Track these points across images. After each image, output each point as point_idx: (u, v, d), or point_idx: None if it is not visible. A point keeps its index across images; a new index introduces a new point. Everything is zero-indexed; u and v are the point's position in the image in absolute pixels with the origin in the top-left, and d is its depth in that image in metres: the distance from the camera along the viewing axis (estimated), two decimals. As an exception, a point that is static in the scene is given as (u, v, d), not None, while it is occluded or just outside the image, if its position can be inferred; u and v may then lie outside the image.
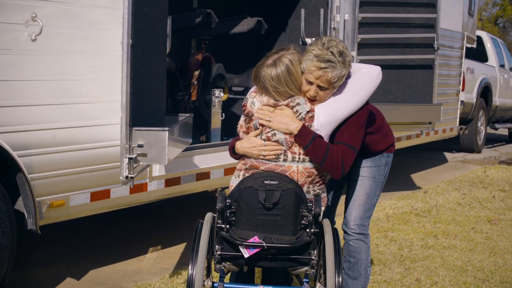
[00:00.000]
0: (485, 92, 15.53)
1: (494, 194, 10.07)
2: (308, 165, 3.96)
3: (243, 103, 4.12)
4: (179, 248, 6.75)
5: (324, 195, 4.07)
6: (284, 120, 3.95)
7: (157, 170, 5.88)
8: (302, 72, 4.00)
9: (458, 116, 12.54)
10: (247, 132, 4.07)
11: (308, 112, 3.96)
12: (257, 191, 3.81)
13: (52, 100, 4.97)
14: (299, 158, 3.95)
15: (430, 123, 8.45)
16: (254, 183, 3.85)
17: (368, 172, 4.58)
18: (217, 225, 3.86)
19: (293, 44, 4.15)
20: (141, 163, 4.72)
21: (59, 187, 5.08)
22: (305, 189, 3.95)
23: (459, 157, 14.70)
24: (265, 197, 3.79)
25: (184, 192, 6.31)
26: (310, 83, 4.00)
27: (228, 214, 3.84)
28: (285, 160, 3.95)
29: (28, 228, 4.88)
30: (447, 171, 12.55)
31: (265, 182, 3.83)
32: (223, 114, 7.11)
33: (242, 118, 4.13)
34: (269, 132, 3.96)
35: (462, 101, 13.08)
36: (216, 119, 7.05)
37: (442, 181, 11.25)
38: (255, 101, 4.05)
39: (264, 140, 3.97)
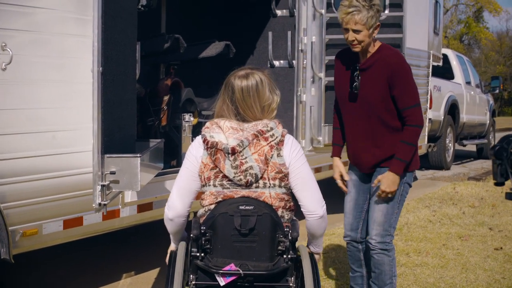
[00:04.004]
0: (453, 109, 15.70)
1: (464, 210, 10.14)
2: (279, 190, 3.85)
3: (202, 139, 3.91)
4: (153, 273, 6.72)
5: (295, 219, 4.00)
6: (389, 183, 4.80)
7: (129, 196, 5.86)
8: (272, 92, 3.93)
9: (427, 134, 12.63)
10: (215, 167, 3.88)
11: (281, 136, 3.90)
12: (232, 217, 3.71)
13: (24, 128, 4.94)
14: (270, 184, 3.83)
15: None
16: (228, 209, 3.74)
17: None
18: (192, 253, 3.78)
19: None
20: (113, 190, 4.71)
21: (31, 215, 5.04)
22: (279, 213, 3.89)
23: (429, 175, 14.81)
24: (241, 223, 3.70)
25: (156, 217, 6.27)
26: (346, 30, 4.74)
27: (203, 242, 3.74)
28: (257, 187, 3.85)
29: (2, 257, 4.84)
30: (417, 188, 12.61)
31: (240, 207, 3.72)
32: (193, 138, 7.10)
33: (206, 154, 3.87)
34: (242, 158, 3.86)
35: (430, 119, 13.21)
36: (187, 143, 7.04)
37: (412, 198, 11.30)
38: (212, 134, 3.90)
39: (236, 166, 3.88)
